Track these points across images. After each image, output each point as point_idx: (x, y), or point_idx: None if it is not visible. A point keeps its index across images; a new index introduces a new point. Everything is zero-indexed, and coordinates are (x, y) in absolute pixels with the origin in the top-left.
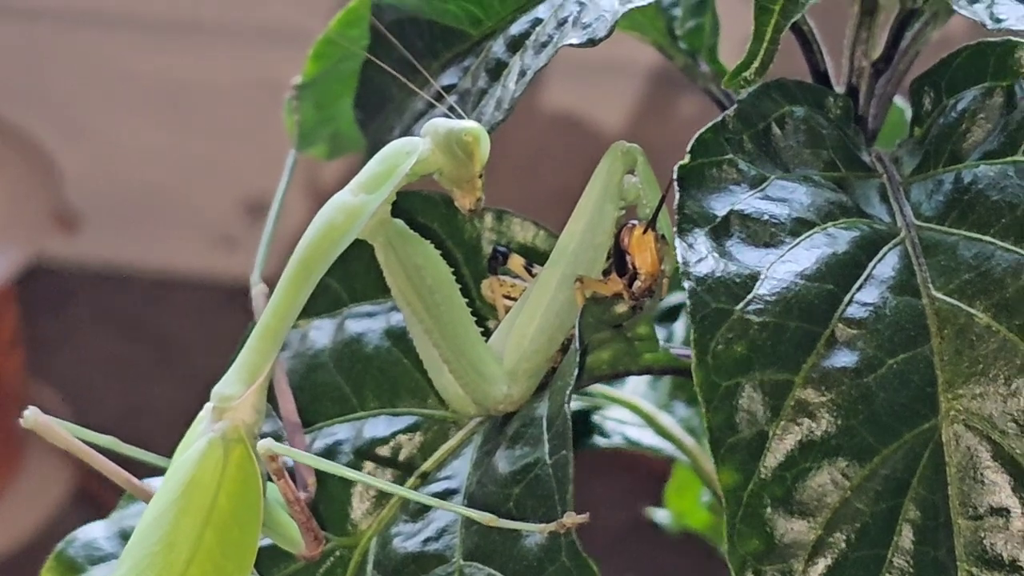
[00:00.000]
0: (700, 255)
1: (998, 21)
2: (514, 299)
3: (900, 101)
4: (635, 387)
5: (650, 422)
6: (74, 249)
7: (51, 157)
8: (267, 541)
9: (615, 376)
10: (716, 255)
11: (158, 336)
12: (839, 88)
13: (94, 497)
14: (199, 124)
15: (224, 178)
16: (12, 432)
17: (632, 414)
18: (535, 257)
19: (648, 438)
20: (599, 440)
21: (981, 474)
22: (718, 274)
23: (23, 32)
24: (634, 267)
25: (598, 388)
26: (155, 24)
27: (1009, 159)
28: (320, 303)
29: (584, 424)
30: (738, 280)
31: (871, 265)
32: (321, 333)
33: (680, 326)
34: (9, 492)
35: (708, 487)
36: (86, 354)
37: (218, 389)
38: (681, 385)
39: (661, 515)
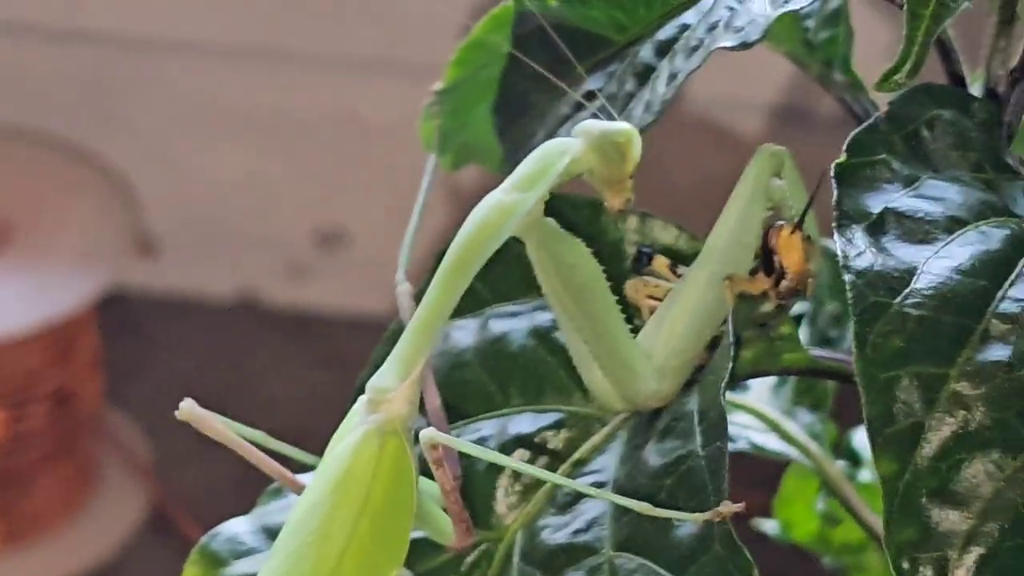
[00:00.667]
0: (859, 249)
1: None
2: (658, 299)
3: None
4: (759, 394)
5: (775, 428)
6: (151, 275)
7: (130, 183)
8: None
9: (753, 375)
10: (874, 250)
11: (232, 363)
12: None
13: (168, 521)
14: (277, 153)
15: (299, 208)
16: (89, 455)
17: (756, 420)
18: (677, 259)
19: (772, 443)
20: None
21: None
22: (876, 268)
23: (103, 59)
24: (781, 267)
25: None
26: (235, 53)
27: None
28: (462, 303)
29: None
30: (895, 275)
31: (1022, 262)
32: (464, 332)
33: (802, 333)
34: (84, 515)
35: (831, 492)
36: (162, 380)
37: (374, 382)
38: (805, 391)
39: (768, 525)
